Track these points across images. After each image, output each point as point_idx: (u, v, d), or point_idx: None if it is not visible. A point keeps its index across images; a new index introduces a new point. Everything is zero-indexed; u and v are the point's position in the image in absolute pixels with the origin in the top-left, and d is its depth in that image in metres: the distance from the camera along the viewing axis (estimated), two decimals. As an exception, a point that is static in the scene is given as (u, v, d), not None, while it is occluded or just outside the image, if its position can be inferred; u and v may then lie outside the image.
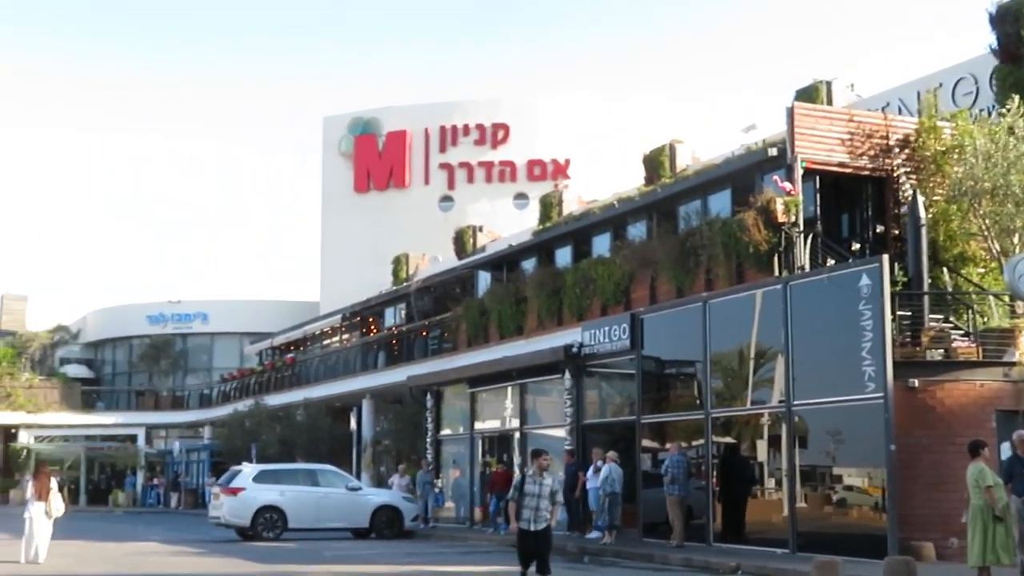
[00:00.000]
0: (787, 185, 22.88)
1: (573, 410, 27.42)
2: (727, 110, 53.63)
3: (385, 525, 29.52)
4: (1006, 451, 16.87)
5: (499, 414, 31.61)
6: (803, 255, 22.79)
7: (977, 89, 27.13)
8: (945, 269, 22.79)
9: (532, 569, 15.33)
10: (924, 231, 21.22)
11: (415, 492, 32.58)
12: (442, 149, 58.20)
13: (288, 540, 27.97)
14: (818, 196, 23.86)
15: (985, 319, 21.35)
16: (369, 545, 26.96)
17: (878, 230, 24.20)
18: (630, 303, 27.64)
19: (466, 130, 58.04)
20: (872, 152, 23.80)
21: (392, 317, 45.15)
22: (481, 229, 43.89)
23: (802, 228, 22.97)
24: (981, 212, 21.91)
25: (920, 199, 21.48)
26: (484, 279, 36.14)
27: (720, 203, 25.82)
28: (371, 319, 47.23)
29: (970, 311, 21.44)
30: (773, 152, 23.90)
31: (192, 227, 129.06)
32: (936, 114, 24.45)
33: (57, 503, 22.17)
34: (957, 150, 22.82)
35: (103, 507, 56.16)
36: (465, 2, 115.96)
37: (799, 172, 23.09)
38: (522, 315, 32.39)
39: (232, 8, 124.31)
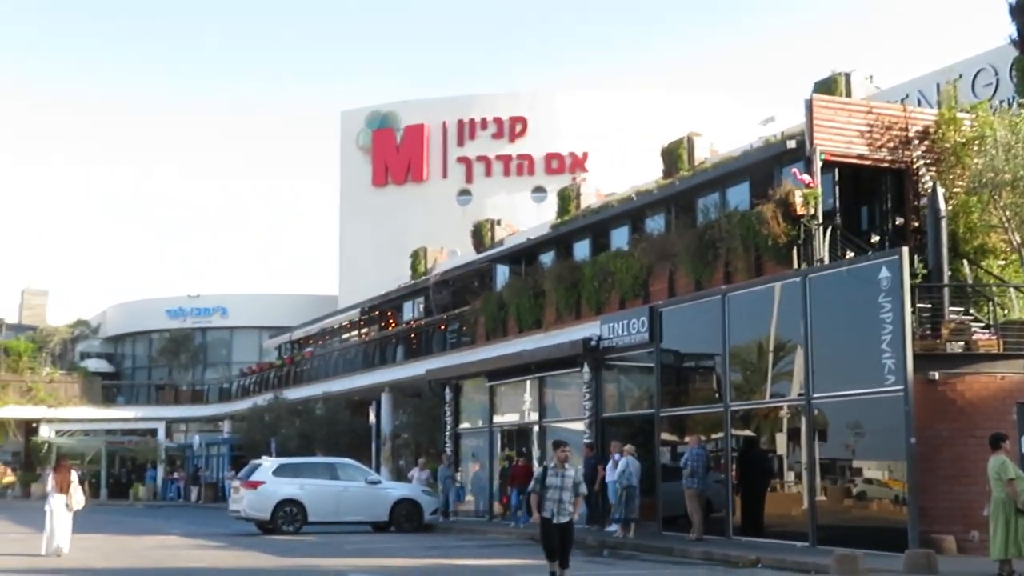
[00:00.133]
0: (806, 177, 22.80)
1: (592, 403, 27.41)
2: (745, 103, 53.73)
3: (405, 519, 29.57)
4: (1027, 443, 16.85)
5: (518, 408, 31.63)
6: (822, 248, 22.73)
7: (997, 80, 26.94)
8: (965, 261, 22.69)
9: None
10: (944, 223, 21.08)
11: (435, 486, 32.66)
12: (460, 143, 58.23)
13: (308, 534, 28.09)
14: (837, 188, 23.78)
15: (1006, 311, 21.29)
16: (389, 539, 27.03)
17: (897, 222, 24.12)
18: (649, 296, 27.64)
19: (484, 124, 58.04)
20: (891, 144, 23.71)
21: (411, 311, 45.21)
22: (499, 223, 43.95)
23: (821, 221, 22.91)
24: (1001, 204, 21.78)
25: (940, 191, 21.37)
26: (502, 273, 36.18)
27: (739, 196, 25.82)
28: (390, 313, 47.26)
29: (990, 303, 21.34)
30: (792, 144, 23.85)
31: (212, 222, 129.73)
32: (956, 105, 24.31)
33: (78, 496, 22.35)
34: (977, 142, 22.76)
35: (124, 501, 56.48)
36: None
37: (818, 164, 23.03)
38: (540, 308, 32.39)
39: (248, 3, 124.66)
